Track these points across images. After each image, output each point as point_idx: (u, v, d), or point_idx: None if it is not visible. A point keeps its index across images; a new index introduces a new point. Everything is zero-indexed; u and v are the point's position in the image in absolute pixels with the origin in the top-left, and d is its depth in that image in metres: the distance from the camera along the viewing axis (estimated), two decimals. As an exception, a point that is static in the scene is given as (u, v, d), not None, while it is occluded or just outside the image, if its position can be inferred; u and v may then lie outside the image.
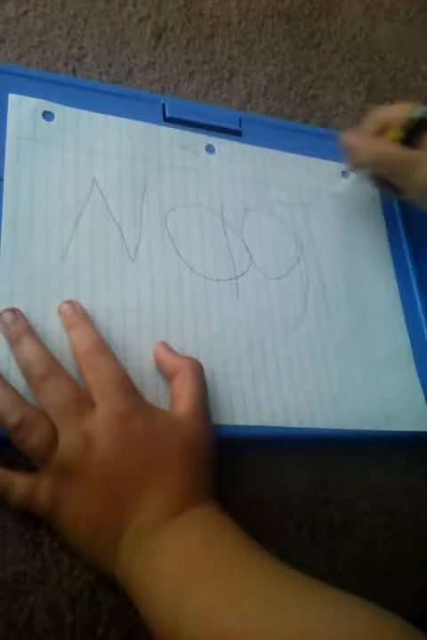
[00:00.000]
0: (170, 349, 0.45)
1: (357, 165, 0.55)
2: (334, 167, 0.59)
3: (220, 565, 0.36)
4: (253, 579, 0.35)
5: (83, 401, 0.39)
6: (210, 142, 0.55)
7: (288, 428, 0.47)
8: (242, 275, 0.51)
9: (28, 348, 0.41)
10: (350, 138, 0.54)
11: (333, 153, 0.59)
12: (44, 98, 0.50)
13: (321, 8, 0.72)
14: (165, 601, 0.35)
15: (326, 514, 0.48)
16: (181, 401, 0.42)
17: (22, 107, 0.49)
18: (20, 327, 0.41)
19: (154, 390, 0.44)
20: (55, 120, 0.50)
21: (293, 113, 0.63)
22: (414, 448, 0.51)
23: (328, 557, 0.47)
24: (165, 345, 0.46)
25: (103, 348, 0.42)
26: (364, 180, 0.56)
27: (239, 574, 0.35)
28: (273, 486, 0.47)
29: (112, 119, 0.52)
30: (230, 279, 0.50)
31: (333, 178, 0.59)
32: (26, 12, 0.57)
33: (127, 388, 0.41)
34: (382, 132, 0.53)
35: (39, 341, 0.41)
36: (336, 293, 0.54)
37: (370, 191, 0.59)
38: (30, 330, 0.42)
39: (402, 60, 0.74)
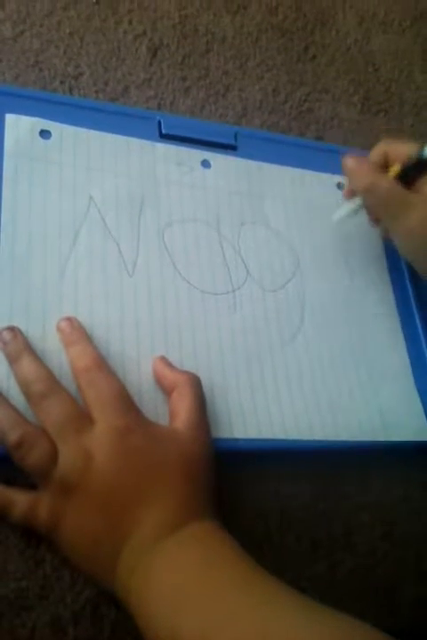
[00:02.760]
0: (168, 364, 0.46)
1: (351, 193, 0.54)
2: (330, 179, 0.60)
3: (217, 584, 0.36)
4: (250, 598, 0.35)
5: (82, 418, 0.40)
6: (205, 157, 0.56)
7: (287, 441, 0.47)
8: (239, 288, 0.51)
9: (27, 366, 0.41)
10: (350, 163, 0.53)
11: (328, 165, 0.60)
12: (41, 117, 0.51)
13: (315, 21, 0.73)
14: (162, 617, 0.35)
15: (326, 525, 0.48)
16: (180, 415, 0.42)
17: (19, 126, 0.50)
18: (19, 345, 0.42)
19: (153, 405, 0.44)
20: (52, 138, 0.51)
21: (288, 126, 0.64)
22: (412, 458, 0.51)
23: (328, 569, 0.47)
24: (163, 360, 0.46)
25: (102, 364, 0.43)
26: (358, 211, 0.55)
27: (236, 594, 0.35)
28: (272, 498, 0.47)
29: (108, 137, 0.53)
30: (227, 293, 0.51)
31: (328, 190, 0.59)
32: (22, 32, 0.58)
33: (126, 403, 0.41)
34: (385, 165, 0.52)
35: (38, 359, 0.42)
36: (333, 305, 0.54)
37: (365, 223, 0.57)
38: (29, 348, 0.42)
39: (396, 71, 0.74)
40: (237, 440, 0.46)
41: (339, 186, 0.59)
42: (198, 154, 0.55)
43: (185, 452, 0.41)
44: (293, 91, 0.67)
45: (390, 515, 0.50)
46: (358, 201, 0.53)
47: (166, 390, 0.45)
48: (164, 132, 0.55)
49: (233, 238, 0.53)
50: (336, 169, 0.60)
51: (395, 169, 0.50)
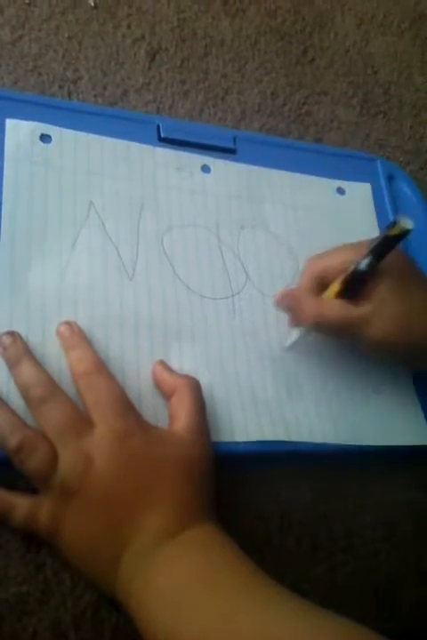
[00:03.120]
0: (168, 368, 0.46)
1: (296, 324, 0.50)
2: (330, 184, 0.60)
3: (217, 587, 0.36)
4: (250, 602, 0.35)
5: (82, 422, 0.40)
6: (205, 162, 0.56)
7: (288, 443, 0.47)
8: (238, 293, 0.51)
9: (27, 371, 0.41)
10: (287, 300, 0.50)
11: (327, 168, 0.60)
12: (40, 121, 0.51)
13: (314, 24, 0.73)
14: (162, 622, 0.35)
15: (326, 527, 0.48)
16: (179, 419, 0.42)
17: (20, 130, 0.50)
18: (19, 350, 0.42)
19: (152, 409, 0.44)
20: (52, 142, 0.51)
21: (287, 129, 0.64)
22: (412, 462, 0.51)
23: (329, 571, 0.47)
24: (162, 364, 0.46)
25: (101, 368, 0.43)
26: (308, 335, 0.50)
27: (236, 597, 0.35)
28: (273, 501, 0.47)
29: (108, 141, 0.53)
30: (227, 297, 0.51)
31: (328, 194, 0.59)
32: (21, 37, 0.58)
33: (125, 407, 0.41)
34: (321, 286, 0.49)
35: (38, 364, 0.42)
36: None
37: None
38: (29, 352, 0.42)
39: (396, 73, 0.74)
40: (237, 443, 0.46)
41: (339, 190, 0.60)
42: (198, 159, 0.55)
43: (185, 455, 0.41)
44: (291, 93, 0.67)
45: (390, 517, 0.50)
46: (308, 328, 0.50)
47: (166, 394, 0.45)
48: (163, 135, 0.55)
49: (233, 243, 0.53)
50: (335, 172, 0.60)
51: (335, 288, 0.47)
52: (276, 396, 0.48)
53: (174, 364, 0.46)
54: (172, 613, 0.35)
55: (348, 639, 0.32)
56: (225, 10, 0.68)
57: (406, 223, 0.44)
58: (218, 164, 0.56)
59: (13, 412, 0.40)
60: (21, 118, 0.50)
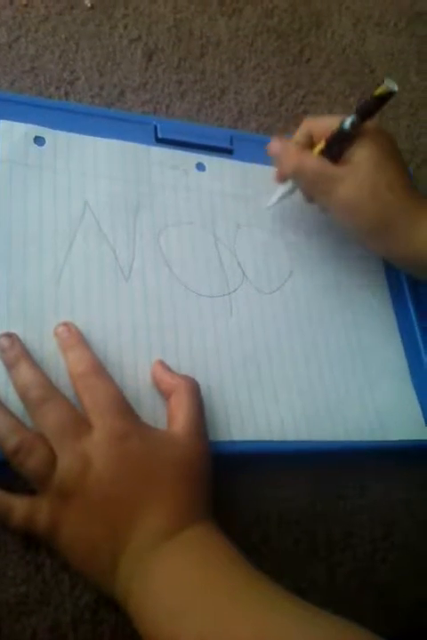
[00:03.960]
0: (167, 368, 0.46)
1: (282, 177, 0.54)
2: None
3: (214, 588, 0.36)
4: (247, 602, 0.35)
5: (80, 423, 0.40)
6: (200, 160, 0.56)
7: (285, 442, 0.47)
8: (235, 290, 0.52)
9: (25, 373, 0.41)
10: (276, 147, 0.53)
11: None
12: (36, 123, 0.51)
13: (310, 23, 0.73)
14: (161, 623, 0.35)
15: (325, 527, 0.48)
16: (177, 420, 0.43)
17: (13, 132, 0.50)
18: (17, 352, 0.42)
19: (150, 409, 0.44)
20: (46, 145, 0.51)
21: (284, 129, 0.64)
22: (410, 459, 0.51)
23: (327, 571, 0.47)
24: (161, 364, 0.46)
25: (99, 368, 0.43)
26: (293, 193, 0.54)
27: (233, 597, 0.35)
28: (271, 501, 0.47)
29: (103, 141, 0.53)
30: (224, 295, 0.51)
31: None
32: (18, 38, 0.58)
33: (123, 408, 0.41)
34: (311, 144, 0.52)
35: (36, 365, 0.42)
36: (329, 305, 0.54)
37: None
38: (27, 354, 0.42)
39: (392, 72, 0.74)
40: (234, 442, 0.46)
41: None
42: (193, 157, 0.56)
43: (183, 456, 0.41)
44: (288, 93, 0.67)
45: (388, 517, 0.50)
46: (289, 184, 0.53)
47: (164, 394, 0.45)
48: (160, 136, 0.55)
49: (229, 241, 0.54)
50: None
51: (320, 146, 0.50)
52: (273, 394, 0.49)
53: (172, 363, 0.46)
54: (170, 613, 0.35)
55: (345, 639, 0.32)
56: (221, 10, 0.68)
57: (391, 84, 0.47)
58: (213, 162, 0.56)
59: (12, 414, 0.40)
60: (18, 120, 0.50)
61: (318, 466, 0.49)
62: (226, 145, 0.58)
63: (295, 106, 0.66)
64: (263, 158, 0.57)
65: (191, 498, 0.40)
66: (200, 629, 0.34)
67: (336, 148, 0.49)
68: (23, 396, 0.41)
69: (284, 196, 0.54)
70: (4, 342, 0.42)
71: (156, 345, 0.47)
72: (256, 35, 0.69)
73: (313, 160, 0.50)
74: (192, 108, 0.61)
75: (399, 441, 0.50)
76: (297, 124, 0.54)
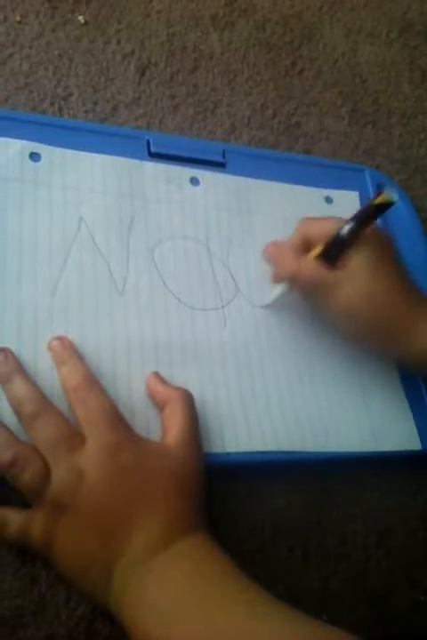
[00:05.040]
0: (162, 380, 0.46)
1: (277, 280, 0.53)
2: (318, 193, 0.60)
3: (208, 599, 0.36)
4: (242, 614, 0.35)
5: (73, 436, 0.40)
6: (194, 175, 0.56)
7: (279, 453, 0.48)
8: (228, 303, 0.52)
9: (19, 387, 0.41)
10: (272, 251, 0.53)
11: (317, 179, 0.61)
12: (30, 139, 0.52)
13: (302, 36, 0.74)
14: (155, 633, 0.36)
15: (319, 536, 0.48)
16: (171, 431, 0.43)
17: (9, 149, 0.51)
18: (11, 367, 0.42)
19: (144, 422, 0.45)
20: (42, 161, 0.51)
21: (276, 141, 0.65)
22: (403, 468, 0.52)
23: (322, 579, 0.47)
24: (156, 375, 0.46)
25: (92, 382, 0.43)
26: (290, 292, 0.52)
27: (227, 608, 0.36)
28: (264, 510, 0.48)
29: (97, 157, 0.53)
30: (217, 308, 0.52)
31: (317, 204, 0.60)
32: (12, 55, 0.58)
33: (117, 421, 0.42)
34: (308, 247, 0.51)
35: (29, 379, 0.42)
36: (323, 318, 0.55)
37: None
38: (20, 368, 0.43)
39: (384, 83, 0.75)
40: (228, 454, 0.46)
41: (327, 200, 0.60)
42: (187, 171, 0.56)
43: (176, 468, 0.41)
44: (281, 105, 0.67)
45: (381, 524, 0.51)
46: (285, 286, 0.52)
47: (159, 406, 0.45)
48: (153, 150, 0.56)
49: (222, 254, 0.54)
50: (324, 182, 0.61)
51: (317, 250, 0.49)
52: (266, 406, 0.49)
53: (165, 376, 0.47)
54: (164, 625, 0.36)
55: None
56: (214, 24, 0.69)
57: (391, 195, 0.46)
58: (207, 177, 0.57)
59: (6, 428, 0.40)
60: (12, 136, 0.51)
61: (312, 475, 0.50)
62: (219, 158, 0.58)
63: (288, 118, 0.67)
64: (256, 172, 0.58)
65: (185, 509, 0.41)
66: (194, 639, 0.34)
67: (333, 252, 0.49)
68: (17, 411, 0.41)
69: (281, 297, 0.53)
70: (-1, 357, 0.43)
71: (149, 358, 0.47)
72: (248, 48, 0.70)
73: (309, 267, 0.49)
74: (185, 121, 0.62)
75: (392, 451, 0.51)
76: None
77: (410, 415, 0.53)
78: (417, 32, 0.81)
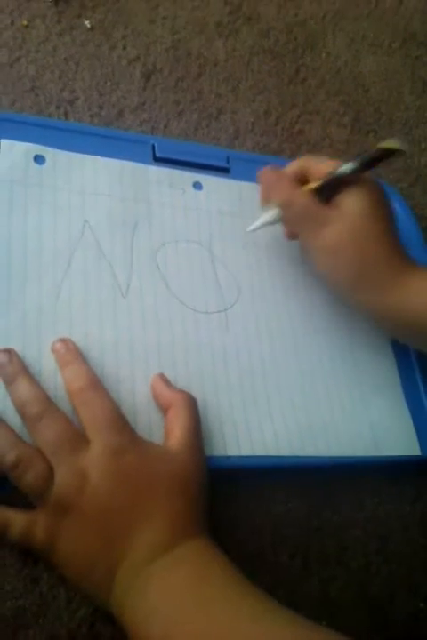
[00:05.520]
0: (166, 382, 0.46)
1: (268, 205, 0.52)
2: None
3: (209, 602, 0.37)
4: (243, 617, 0.35)
5: (77, 438, 0.40)
6: (197, 179, 0.57)
7: (280, 457, 0.48)
8: (231, 307, 0.52)
9: (23, 388, 0.42)
10: (269, 175, 0.52)
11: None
12: (36, 142, 0.52)
13: (306, 44, 0.74)
14: (156, 636, 0.36)
15: (319, 541, 0.48)
16: (174, 435, 0.43)
17: (14, 151, 0.51)
18: (15, 368, 0.42)
19: (147, 424, 0.45)
20: (46, 163, 0.52)
21: (279, 148, 0.65)
22: (403, 473, 0.52)
23: (322, 585, 0.47)
24: (161, 377, 0.47)
25: (96, 384, 0.43)
26: (276, 222, 0.53)
27: (228, 612, 0.36)
28: (265, 515, 0.48)
29: (102, 160, 0.54)
30: (219, 311, 0.52)
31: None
32: (18, 59, 0.59)
33: (120, 423, 0.42)
34: (303, 180, 0.51)
35: (34, 381, 0.42)
36: (324, 321, 0.55)
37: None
38: (25, 370, 0.43)
39: (386, 92, 0.76)
40: (229, 457, 0.46)
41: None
42: (190, 176, 0.57)
43: (179, 471, 0.42)
44: (284, 112, 0.68)
45: (382, 530, 0.51)
46: (274, 213, 0.52)
47: (162, 408, 0.45)
48: (158, 155, 0.56)
49: (225, 257, 0.54)
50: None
51: (314, 184, 0.50)
52: (267, 410, 0.49)
53: (168, 378, 0.47)
54: (165, 628, 0.36)
55: None
56: (219, 31, 0.70)
57: (399, 143, 0.47)
58: (210, 181, 0.57)
59: (10, 429, 0.41)
60: (18, 139, 0.51)
61: (312, 481, 0.50)
62: (223, 164, 0.58)
63: (291, 125, 0.67)
64: (259, 177, 0.58)
65: (187, 512, 0.41)
66: None
67: (329, 190, 0.49)
68: (21, 412, 0.41)
69: (267, 224, 0.53)
70: (3, 358, 0.43)
71: (152, 361, 0.48)
72: (252, 55, 0.70)
73: (304, 197, 0.49)
74: (189, 127, 0.62)
75: (392, 456, 0.51)
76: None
77: (410, 421, 0.53)
78: (419, 43, 0.81)
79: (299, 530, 0.48)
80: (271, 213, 0.52)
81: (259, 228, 0.53)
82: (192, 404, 0.45)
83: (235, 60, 0.69)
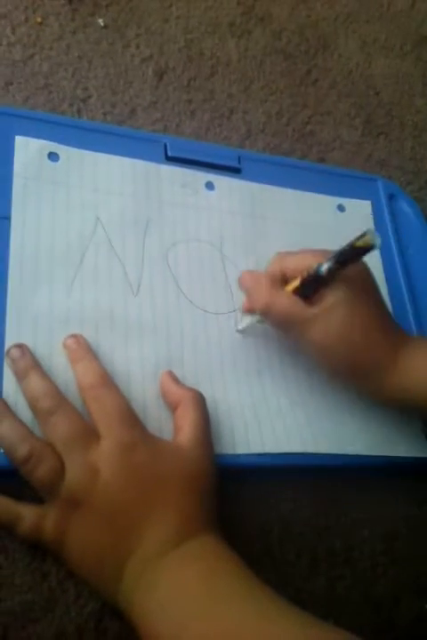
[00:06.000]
0: (175, 380, 0.47)
1: (250, 310, 0.51)
2: (331, 201, 0.61)
3: (218, 599, 0.37)
4: (251, 614, 0.36)
5: (88, 433, 0.41)
6: (209, 179, 0.57)
7: (289, 455, 0.48)
8: (241, 307, 0.52)
9: (35, 383, 0.42)
10: (247, 280, 0.50)
11: (329, 187, 0.61)
12: (49, 139, 0.52)
13: (318, 45, 0.74)
14: (164, 632, 0.36)
15: (326, 541, 0.49)
16: (183, 432, 0.43)
17: (28, 148, 0.51)
18: (27, 362, 0.43)
19: (157, 421, 0.45)
20: (60, 161, 0.52)
21: (291, 148, 0.65)
22: (412, 474, 0.52)
23: (328, 584, 0.47)
24: (170, 375, 0.47)
25: (107, 380, 0.43)
26: (261, 322, 0.51)
27: (237, 608, 0.36)
28: (273, 514, 0.48)
29: (115, 159, 0.54)
30: (229, 312, 0.52)
31: (330, 212, 0.60)
32: (32, 56, 0.59)
33: (131, 419, 0.42)
34: (284, 281, 0.49)
35: (45, 376, 0.43)
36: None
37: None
38: (37, 364, 0.43)
39: (397, 95, 0.76)
40: (238, 455, 0.46)
41: (340, 207, 0.61)
42: (202, 176, 0.57)
43: (188, 467, 0.42)
44: (295, 113, 0.68)
45: (389, 531, 0.51)
46: (257, 316, 0.50)
47: (171, 405, 0.46)
48: (170, 154, 0.57)
49: (235, 258, 0.55)
50: (337, 191, 0.61)
51: (293, 284, 0.48)
52: (277, 408, 0.49)
53: (178, 376, 0.47)
54: (174, 624, 0.36)
55: None
56: (231, 31, 0.70)
57: (374, 239, 0.44)
58: (222, 182, 0.57)
59: (22, 423, 0.41)
60: (32, 136, 0.52)
61: (321, 480, 0.50)
62: (234, 164, 0.59)
63: (302, 126, 0.68)
64: (270, 178, 0.59)
65: (196, 508, 0.41)
66: (203, 638, 0.35)
67: (310, 288, 0.47)
68: (33, 406, 0.42)
69: (253, 324, 0.51)
70: (15, 353, 0.43)
71: (162, 358, 0.48)
72: (265, 56, 0.70)
73: (284, 300, 0.47)
74: (201, 126, 0.63)
75: (401, 456, 0.51)
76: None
77: (419, 420, 0.53)
78: (431, 46, 0.81)
79: (306, 529, 0.48)
80: (254, 316, 0.51)
81: (246, 328, 0.52)
82: (201, 402, 0.45)
83: (247, 60, 0.69)
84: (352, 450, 0.50)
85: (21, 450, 0.39)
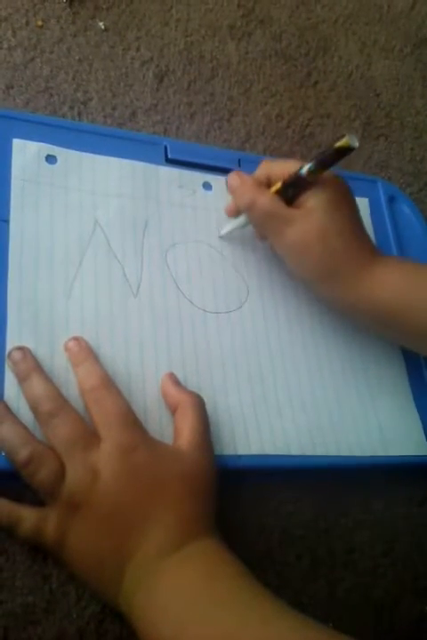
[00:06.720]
0: (175, 382, 0.47)
1: (235, 210, 0.55)
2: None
3: (218, 603, 0.37)
4: (251, 618, 0.36)
5: (89, 436, 0.41)
6: (207, 180, 0.57)
7: (289, 457, 0.48)
8: (240, 307, 0.53)
9: (36, 385, 0.42)
10: (233, 180, 0.53)
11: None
12: (49, 142, 0.52)
13: (318, 48, 0.74)
14: (164, 636, 0.36)
15: (327, 543, 0.49)
16: (183, 435, 0.43)
17: (26, 151, 0.51)
18: (29, 365, 0.43)
19: (157, 423, 0.45)
20: (58, 163, 0.52)
21: (291, 151, 0.65)
22: (412, 476, 0.52)
23: (329, 586, 0.48)
24: (171, 377, 0.47)
25: (108, 383, 0.44)
26: (245, 227, 0.54)
27: (236, 612, 0.36)
28: (274, 516, 0.48)
29: (113, 160, 0.54)
30: (228, 311, 0.52)
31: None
32: (33, 59, 0.59)
33: (131, 422, 0.42)
34: (268, 184, 0.52)
35: (47, 378, 0.43)
36: (333, 322, 0.55)
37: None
38: (38, 367, 0.43)
39: (397, 97, 0.76)
40: (239, 457, 0.47)
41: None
42: (200, 176, 0.57)
43: (188, 470, 0.42)
44: (295, 116, 0.68)
45: (389, 533, 0.51)
46: (242, 218, 0.54)
47: (171, 408, 0.46)
48: (170, 156, 0.57)
49: (234, 258, 0.55)
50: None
51: (276, 186, 0.50)
52: (277, 409, 0.49)
53: (178, 377, 0.47)
54: (174, 626, 0.36)
55: None
56: (231, 34, 0.70)
57: (353, 141, 0.47)
58: (219, 182, 0.57)
59: (23, 426, 0.41)
60: (31, 139, 0.52)
61: (321, 481, 0.50)
62: (234, 166, 0.58)
63: (302, 128, 0.68)
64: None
65: (197, 511, 0.41)
66: None
67: (292, 191, 0.50)
68: (34, 409, 0.42)
69: (236, 228, 0.54)
70: (17, 355, 0.43)
71: (163, 360, 0.48)
72: (265, 58, 0.70)
73: (267, 198, 0.50)
74: (201, 129, 0.63)
75: (401, 457, 0.51)
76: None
77: (419, 421, 0.54)
78: (431, 48, 0.81)
79: (307, 531, 0.48)
80: (239, 218, 0.54)
81: (230, 232, 0.55)
82: (199, 405, 0.45)
83: (247, 62, 0.69)
84: (350, 452, 0.50)
85: (22, 453, 0.39)
